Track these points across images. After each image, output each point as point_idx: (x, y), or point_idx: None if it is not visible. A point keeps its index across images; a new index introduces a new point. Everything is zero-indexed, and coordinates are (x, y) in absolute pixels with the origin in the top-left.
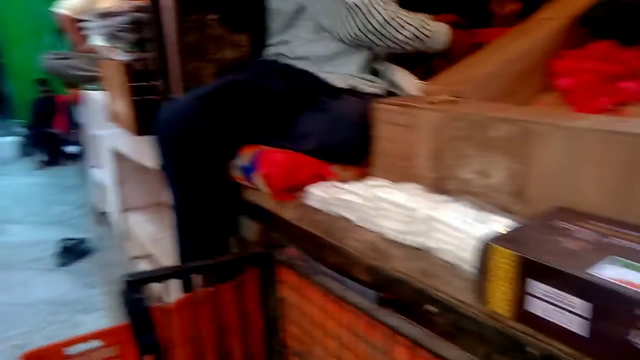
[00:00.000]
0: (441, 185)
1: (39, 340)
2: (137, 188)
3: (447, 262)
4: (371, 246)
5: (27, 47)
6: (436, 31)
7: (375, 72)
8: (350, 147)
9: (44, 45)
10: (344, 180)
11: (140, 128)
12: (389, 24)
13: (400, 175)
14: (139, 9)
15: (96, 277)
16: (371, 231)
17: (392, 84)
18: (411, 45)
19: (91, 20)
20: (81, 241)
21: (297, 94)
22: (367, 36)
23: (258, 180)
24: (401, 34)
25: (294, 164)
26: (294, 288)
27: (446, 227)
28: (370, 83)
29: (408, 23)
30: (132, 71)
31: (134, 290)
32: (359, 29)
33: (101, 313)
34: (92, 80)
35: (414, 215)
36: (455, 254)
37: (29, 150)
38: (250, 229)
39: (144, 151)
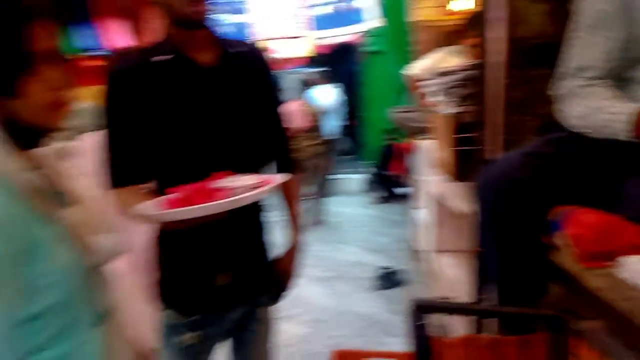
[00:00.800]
0: None
1: (349, 345)
2: (450, 231)
3: None
4: None
5: (382, 103)
6: None
7: None
8: None
9: (395, 101)
10: None
11: (459, 175)
12: None
13: None
14: (470, 67)
15: (404, 306)
16: None
17: None
18: None
19: (430, 79)
20: (397, 271)
21: (627, 155)
22: None
23: (564, 239)
24: None
25: (609, 228)
26: None
27: None
28: None
29: None
30: (456, 123)
31: (420, 316)
32: None
33: (404, 339)
34: (425, 131)
35: None
36: None
37: (371, 187)
38: (549, 289)
39: (460, 197)
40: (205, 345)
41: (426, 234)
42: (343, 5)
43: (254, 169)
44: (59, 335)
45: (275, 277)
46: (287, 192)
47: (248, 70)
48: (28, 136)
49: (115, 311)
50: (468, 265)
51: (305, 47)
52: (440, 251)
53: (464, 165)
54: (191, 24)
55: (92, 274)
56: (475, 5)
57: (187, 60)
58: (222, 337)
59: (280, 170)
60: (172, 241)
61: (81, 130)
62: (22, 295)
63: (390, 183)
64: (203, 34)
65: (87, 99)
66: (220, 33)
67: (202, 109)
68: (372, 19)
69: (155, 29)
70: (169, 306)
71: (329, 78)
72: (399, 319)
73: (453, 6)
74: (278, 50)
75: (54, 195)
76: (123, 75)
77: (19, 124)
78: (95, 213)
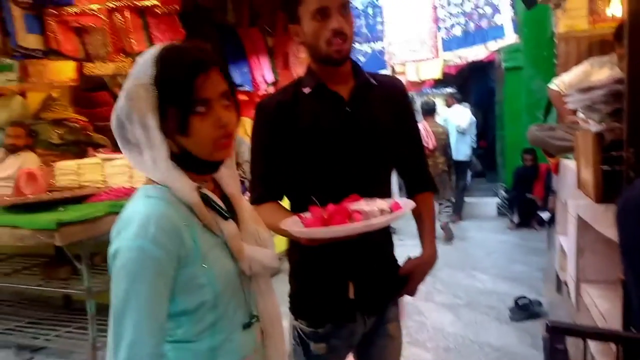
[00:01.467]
0: None
1: None
2: (598, 259)
3: None
4: None
5: (519, 121)
6: None
7: None
8: None
9: (536, 118)
10: None
11: (602, 196)
12: None
13: None
14: (618, 81)
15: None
16: None
17: None
18: None
19: (573, 94)
20: (535, 302)
21: None
22: None
23: None
24: None
25: None
26: None
27: None
28: None
29: None
30: (601, 141)
31: (557, 339)
32: None
33: None
34: (569, 150)
35: None
36: None
37: (507, 210)
38: None
39: (607, 221)
40: (333, 357)
41: (571, 261)
42: (472, 25)
43: (385, 191)
44: (209, 329)
45: (401, 285)
46: (422, 208)
47: (385, 100)
48: (201, 166)
49: (266, 318)
50: (616, 296)
51: (437, 69)
52: (586, 281)
53: (610, 186)
54: (333, 62)
55: (245, 281)
56: (622, 14)
57: (329, 92)
58: (350, 349)
59: (414, 188)
60: (305, 254)
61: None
62: (180, 291)
63: (529, 207)
64: (344, 69)
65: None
66: (359, 64)
67: (341, 137)
68: (507, 36)
69: (300, 64)
70: (300, 317)
71: (462, 98)
72: (537, 353)
73: (608, 12)
74: (411, 73)
75: (216, 210)
76: (270, 105)
77: (192, 156)
78: (251, 227)
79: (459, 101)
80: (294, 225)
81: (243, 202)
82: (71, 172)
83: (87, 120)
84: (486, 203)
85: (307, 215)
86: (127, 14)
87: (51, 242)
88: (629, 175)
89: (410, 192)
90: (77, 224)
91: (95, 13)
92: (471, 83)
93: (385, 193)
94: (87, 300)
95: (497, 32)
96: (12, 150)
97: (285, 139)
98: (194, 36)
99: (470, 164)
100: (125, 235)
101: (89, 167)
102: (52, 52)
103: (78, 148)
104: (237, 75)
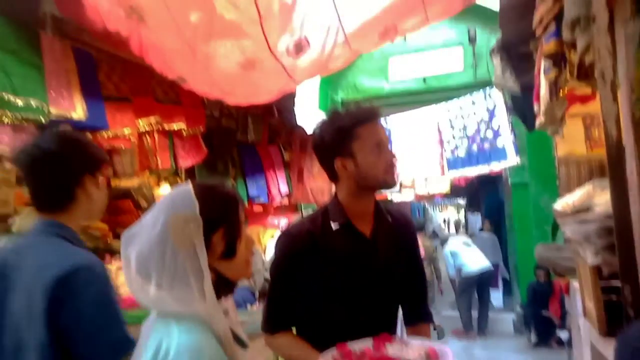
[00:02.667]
0: None
1: None
2: None
3: None
4: None
5: (530, 237)
6: None
7: None
8: None
9: (545, 234)
10: None
11: (607, 330)
12: None
13: None
14: (610, 216)
15: None
16: None
17: None
18: None
19: (570, 224)
20: None
21: None
22: None
23: None
24: None
25: None
26: None
27: None
28: None
29: None
30: (600, 273)
31: None
32: None
33: None
34: (575, 273)
35: None
36: None
37: (525, 328)
38: None
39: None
40: None
41: None
42: (475, 147)
43: (394, 322)
44: None
45: None
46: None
47: (399, 238)
48: (229, 289)
49: None
50: None
51: (444, 184)
52: None
53: (614, 319)
54: (388, 187)
55: None
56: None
57: (355, 230)
58: None
59: (414, 318)
60: None
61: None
62: None
63: (546, 325)
64: (370, 205)
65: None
66: (380, 201)
67: (363, 272)
68: (510, 158)
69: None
70: None
71: (473, 208)
72: None
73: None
74: (420, 187)
75: (236, 339)
76: (300, 234)
77: (226, 280)
78: (264, 356)
79: (472, 212)
80: None
81: (241, 330)
82: None
83: (108, 227)
84: (503, 319)
85: (334, 353)
86: (155, 136)
87: None
88: (628, 314)
89: (408, 321)
90: None
91: (127, 137)
92: (481, 194)
93: (394, 325)
94: None
95: (499, 154)
96: None
97: (310, 269)
98: (216, 153)
99: (484, 275)
100: None
101: None
102: None
103: (96, 255)
104: (254, 188)
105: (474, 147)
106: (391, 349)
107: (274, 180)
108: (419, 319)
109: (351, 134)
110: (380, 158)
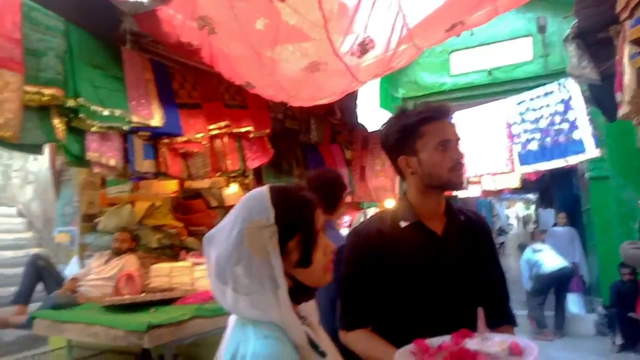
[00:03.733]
0: None
1: None
2: None
3: None
4: None
5: (613, 232)
6: None
7: None
8: None
9: (630, 230)
10: None
11: None
12: None
13: None
14: None
15: None
16: None
17: None
18: None
19: None
20: None
21: None
22: None
23: None
24: None
25: None
26: None
27: None
28: None
29: None
30: None
31: None
32: None
33: None
34: None
35: None
36: None
37: (605, 329)
38: None
39: None
40: None
41: None
42: (549, 140)
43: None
44: None
45: None
46: None
47: (473, 237)
48: (306, 295)
49: None
50: None
51: (514, 179)
52: None
53: None
54: (453, 187)
55: None
56: None
57: (425, 228)
58: None
59: (495, 320)
60: None
61: None
62: None
63: (633, 327)
64: (441, 205)
65: None
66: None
67: (435, 270)
68: (588, 151)
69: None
70: None
71: (546, 204)
72: None
73: None
74: (487, 182)
75: (313, 347)
76: (370, 233)
77: (303, 287)
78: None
79: (544, 207)
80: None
81: (321, 332)
82: (164, 275)
83: (183, 225)
84: (584, 320)
85: (412, 348)
86: (225, 139)
87: (140, 344)
88: None
89: (490, 323)
90: (165, 327)
91: (199, 141)
92: (554, 189)
93: (474, 326)
94: None
95: (576, 146)
96: (117, 253)
97: (381, 267)
98: (281, 153)
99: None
100: None
101: (180, 270)
102: (161, 174)
103: (172, 251)
104: None
105: (548, 140)
106: (470, 343)
107: None
108: (502, 321)
109: (415, 131)
110: (445, 157)
